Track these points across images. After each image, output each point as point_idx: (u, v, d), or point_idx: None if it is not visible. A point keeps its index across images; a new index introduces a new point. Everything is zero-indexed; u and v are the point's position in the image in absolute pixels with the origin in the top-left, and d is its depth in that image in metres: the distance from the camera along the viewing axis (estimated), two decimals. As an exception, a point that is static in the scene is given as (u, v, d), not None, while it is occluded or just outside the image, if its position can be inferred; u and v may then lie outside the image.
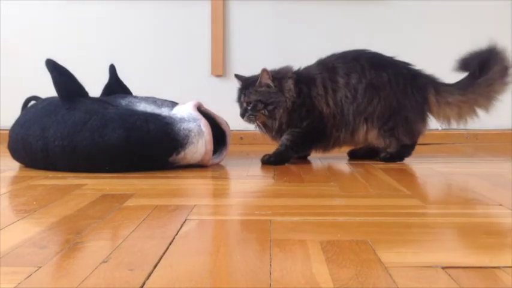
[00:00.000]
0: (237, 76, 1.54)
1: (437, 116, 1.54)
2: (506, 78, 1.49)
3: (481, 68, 1.50)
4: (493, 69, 1.49)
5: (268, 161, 1.47)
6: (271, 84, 1.46)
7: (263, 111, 1.46)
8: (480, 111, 1.52)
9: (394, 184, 1.13)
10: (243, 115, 1.48)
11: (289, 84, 1.48)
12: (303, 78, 1.51)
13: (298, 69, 1.56)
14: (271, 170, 1.36)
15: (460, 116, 1.53)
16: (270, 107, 1.46)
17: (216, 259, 0.61)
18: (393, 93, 1.49)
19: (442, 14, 2.11)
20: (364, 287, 0.52)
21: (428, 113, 1.53)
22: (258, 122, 1.48)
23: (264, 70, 1.46)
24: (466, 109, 1.51)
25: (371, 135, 1.50)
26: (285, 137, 1.49)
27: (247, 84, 1.50)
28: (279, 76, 1.49)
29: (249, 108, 1.46)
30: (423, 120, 1.52)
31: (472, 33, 2.12)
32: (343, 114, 1.49)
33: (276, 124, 1.49)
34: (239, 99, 1.51)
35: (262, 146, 1.99)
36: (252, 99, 1.46)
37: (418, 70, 1.57)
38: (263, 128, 1.51)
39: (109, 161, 1.28)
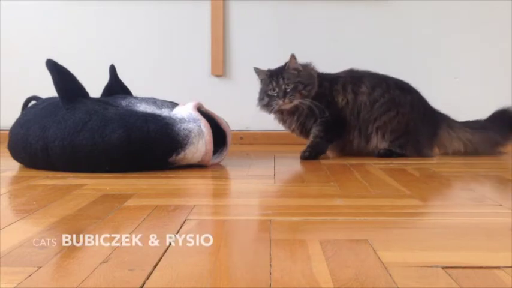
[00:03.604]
0: (257, 69, 1.64)
1: (446, 148, 1.67)
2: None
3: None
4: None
5: (309, 157, 1.56)
6: (300, 68, 1.59)
7: (303, 91, 1.56)
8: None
9: (394, 184, 1.13)
10: (283, 97, 1.55)
11: (315, 71, 1.63)
12: (326, 77, 1.65)
13: (322, 73, 1.67)
14: (271, 170, 1.36)
15: (466, 150, 1.68)
16: (309, 87, 1.57)
17: (216, 259, 0.61)
18: (412, 114, 1.62)
19: (442, 14, 2.11)
20: (364, 287, 0.52)
21: (436, 144, 1.66)
22: (297, 102, 1.56)
23: (292, 55, 1.58)
24: (470, 147, 1.67)
25: (382, 146, 1.61)
26: (316, 129, 1.59)
27: (275, 73, 1.60)
28: (303, 64, 1.63)
29: (288, 89, 1.55)
30: (431, 148, 1.65)
31: (472, 33, 2.12)
32: (358, 118, 1.61)
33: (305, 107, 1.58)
34: (272, 85, 1.57)
35: (263, 146, 2.00)
36: (293, 81, 1.56)
37: (435, 108, 1.70)
38: (286, 115, 1.62)
39: (109, 161, 1.28)
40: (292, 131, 1.67)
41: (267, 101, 1.59)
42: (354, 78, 1.65)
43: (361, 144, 1.63)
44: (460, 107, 2.11)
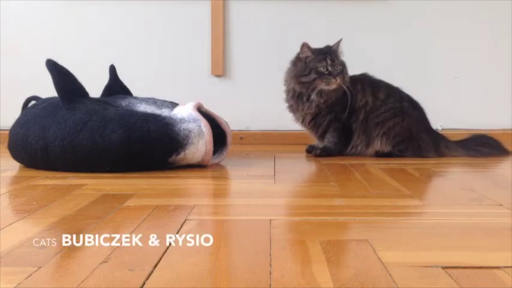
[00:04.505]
0: (307, 45, 1.62)
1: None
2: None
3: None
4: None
5: (319, 155, 1.62)
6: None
7: (345, 76, 1.62)
8: None
9: (394, 184, 1.13)
10: (338, 75, 1.58)
11: None
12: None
13: None
14: (271, 170, 1.36)
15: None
16: (348, 75, 1.64)
17: (216, 259, 0.61)
18: (415, 124, 1.65)
19: (441, 14, 2.11)
20: (364, 287, 0.52)
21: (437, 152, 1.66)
22: (341, 84, 1.59)
23: (341, 39, 1.64)
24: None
25: (382, 150, 1.63)
26: (330, 135, 1.65)
27: (327, 52, 1.62)
28: None
29: (338, 71, 1.60)
30: (433, 152, 1.64)
31: (472, 33, 2.12)
32: (367, 122, 1.63)
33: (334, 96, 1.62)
34: (326, 62, 1.59)
35: (263, 146, 2.00)
36: (341, 64, 1.62)
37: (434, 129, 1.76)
38: (320, 97, 1.61)
39: (109, 161, 1.28)
40: (303, 116, 1.67)
41: (314, 77, 1.59)
42: (372, 83, 1.69)
43: (363, 147, 1.65)
44: (460, 107, 2.12)
